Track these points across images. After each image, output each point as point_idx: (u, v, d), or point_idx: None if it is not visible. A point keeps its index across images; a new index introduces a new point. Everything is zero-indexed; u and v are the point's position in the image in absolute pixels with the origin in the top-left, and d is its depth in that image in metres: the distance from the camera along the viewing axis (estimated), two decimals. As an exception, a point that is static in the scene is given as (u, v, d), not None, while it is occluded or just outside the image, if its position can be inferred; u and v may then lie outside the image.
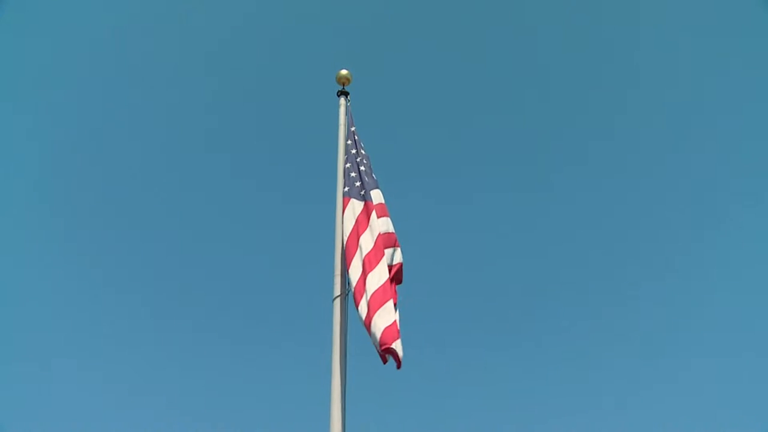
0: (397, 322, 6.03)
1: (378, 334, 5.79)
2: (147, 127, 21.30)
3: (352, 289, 6.38)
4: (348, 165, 7.61)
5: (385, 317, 5.96)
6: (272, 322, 19.91)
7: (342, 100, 8.41)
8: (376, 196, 7.28)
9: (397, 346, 5.75)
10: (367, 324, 5.98)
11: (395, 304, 6.31)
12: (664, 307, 19.26)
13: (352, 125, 8.14)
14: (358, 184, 7.36)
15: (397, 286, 6.65)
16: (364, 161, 7.69)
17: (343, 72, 8.51)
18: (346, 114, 8.27)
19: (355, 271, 6.47)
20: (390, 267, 6.61)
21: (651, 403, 17.03)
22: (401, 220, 7.23)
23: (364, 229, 6.89)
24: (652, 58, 21.40)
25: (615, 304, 20.09)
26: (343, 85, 8.50)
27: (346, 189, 7.33)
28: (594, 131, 22.17)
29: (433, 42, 23.54)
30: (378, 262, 6.50)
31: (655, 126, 21.33)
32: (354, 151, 7.75)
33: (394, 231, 6.98)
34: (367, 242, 6.71)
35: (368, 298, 6.14)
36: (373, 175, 7.58)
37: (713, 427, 15.69)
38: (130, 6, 20.90)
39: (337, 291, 6.65)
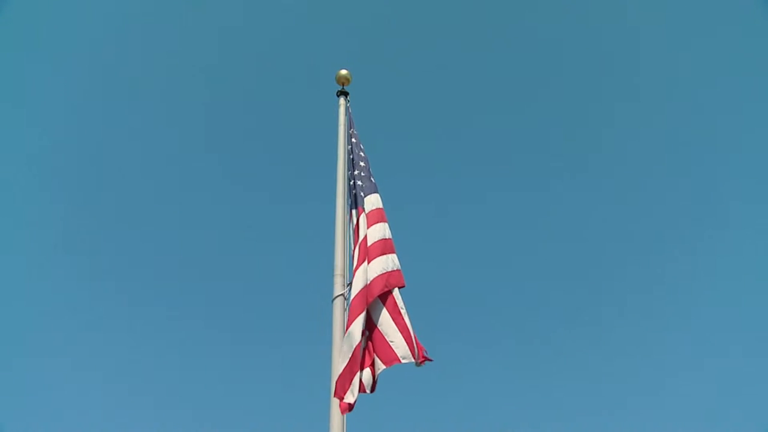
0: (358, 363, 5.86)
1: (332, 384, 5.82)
2: (146, 127, 21.34)
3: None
4: (348, 172, 7.61)
5: (339, 362, 5.87)
6: (272, 323, 19.94)
7: (342, 100, 8.40)
8: (374, 200, 7.22)
9: (349, 397, 5.68)
10: None
11: (395, 312, 6.27)
12: (665, 306, 19.28)
13: (352, 127, 8.12)
14: (354, 192, 7.36)
15: (400, 290, 6.54)
16: (361, 164, 7.68)
17: (343, 72, 8.50)
18: (346, 114, 8.26)
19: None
20: (387, 273, 6.52)
21: (651, 403, 17.03)
22: (402, 221, 7.22)
23: (357, 241, 6.92)
24: (652, 58, 21.43)
25: (615, 303, 20.11)
26: (343, 85, 8.49)
27: (350, 202, 7.36)
28: (592, 132, 22.20)
29: (433, 42, 23.57)
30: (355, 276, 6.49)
31: (655, 126, 21.36)
32: (351, 157, 7.74)
33: (390, 237, 6.94)
34: (356, 256, 6.75)
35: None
36: (372, 179, 7.54)
37: (714, 427, 15.69)
38: (130, 6, 20.93)
39: (337, 291, 6.63)
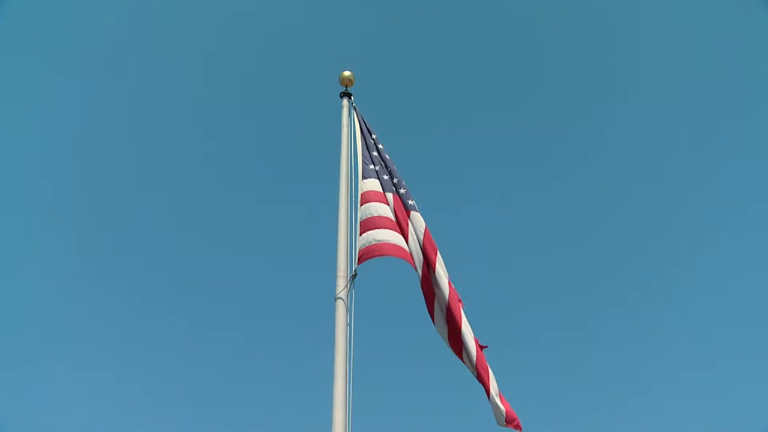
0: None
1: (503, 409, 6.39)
2: (149, 128, 21.33)
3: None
4: (377, 167, 7.64)
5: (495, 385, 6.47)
6: (275, 323, 19.94)
7: (345, 101, 8.33)
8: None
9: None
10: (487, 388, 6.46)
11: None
12: (665, 307, 19.29)
13: (367, 126, 8.10)
14: (403, 191, 7.43)
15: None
16: (387, 156, 7.79)
17: (346, 73, 8.46)
18: (349, 115, 8.22)
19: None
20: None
21: (651, 403, 17.03)
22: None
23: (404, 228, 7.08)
24: (652, 58, 21.43)
25: (615, 303, 20.12)
26: (346, 86, 8.44)
27: (399, 191, 7.42)
28: (593, 132, 22.21)
29: (437, 42, 23.55)
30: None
31: (655, 126, 21.37)
32: (377, 153, 7.78)
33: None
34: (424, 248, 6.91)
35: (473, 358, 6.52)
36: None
37: (714, 427, 15.71)
38: (131, 6, 20.91)
39: (339, 291, 6.60)
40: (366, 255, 6.73)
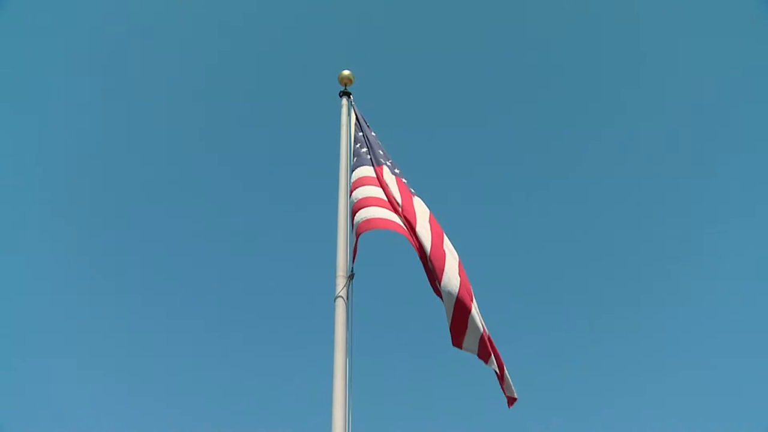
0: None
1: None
2: (150, 129, 21.32)
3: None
4: (381, 151, 7.67)
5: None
6: (275, 323, 19.93)
7: (344, 100, 8.35)
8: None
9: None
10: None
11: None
12: (664, 306, 19.30)
13: (366, 121, 8.11)
14: (405, 180, 7.42)
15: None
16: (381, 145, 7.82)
17: (345, 72, 8.48)
18: (348, 114, 8.23)
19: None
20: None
21: (650, 403, 17.03)
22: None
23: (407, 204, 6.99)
24: (652, 58, 21.43)
25: (619, 304, 20.12)
26: (345, 85, 8.46)
27: (402, 179, 7.42)
28: (593, 132, 22.22)
29: (436, 42, 23.55)
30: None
31: (655, 126, 21.37)
32: (376, 143, 7.80)
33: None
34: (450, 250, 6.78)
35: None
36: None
37: (714, 427, 15.70)
38: (130, 6, 20.90)
39: (339, 290, 6.60)
40: (357, 241, 6.58)
